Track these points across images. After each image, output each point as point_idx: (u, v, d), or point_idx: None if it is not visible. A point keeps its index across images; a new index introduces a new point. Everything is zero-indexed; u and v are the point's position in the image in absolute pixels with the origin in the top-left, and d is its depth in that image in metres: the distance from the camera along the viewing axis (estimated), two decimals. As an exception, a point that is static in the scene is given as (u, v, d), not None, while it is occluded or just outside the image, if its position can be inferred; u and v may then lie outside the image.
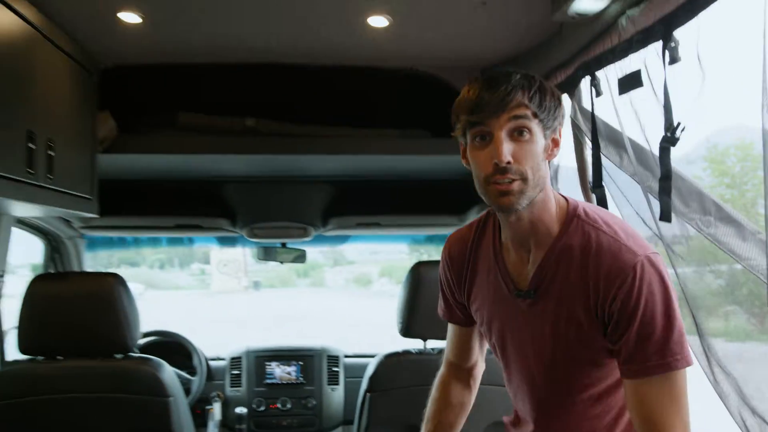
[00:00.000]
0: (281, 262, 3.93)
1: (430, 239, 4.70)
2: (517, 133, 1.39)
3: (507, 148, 1.37)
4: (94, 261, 4.16)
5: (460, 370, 1.96)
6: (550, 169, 2.53)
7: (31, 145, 1.98)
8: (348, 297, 21.35)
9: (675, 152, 1.76)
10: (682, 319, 1.45)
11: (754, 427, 1.58)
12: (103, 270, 3.88)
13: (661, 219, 1.77)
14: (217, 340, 3.87)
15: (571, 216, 1.52)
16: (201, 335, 3.80)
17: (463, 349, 1.93)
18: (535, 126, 1.40)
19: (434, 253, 4.79)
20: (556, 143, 1.49)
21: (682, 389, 1.41)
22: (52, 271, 3.53)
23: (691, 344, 1.88)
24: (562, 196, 1.59)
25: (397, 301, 2.82)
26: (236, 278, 21.20)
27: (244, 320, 15.65)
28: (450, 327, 1.95)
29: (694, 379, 1.51)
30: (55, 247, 3.50)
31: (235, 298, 19.84)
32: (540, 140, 1.42)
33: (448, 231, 2.73)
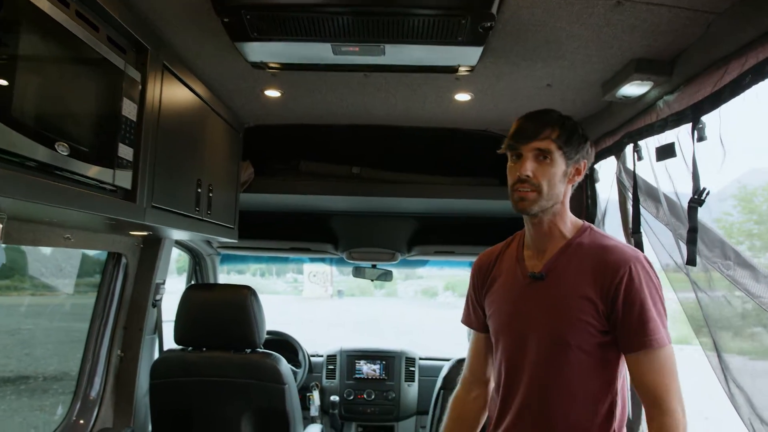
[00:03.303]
0: (372, 280, 4.12)
1: None
2: (541, 157, 1.60)
3: (529, 166, 1.60)
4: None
5: (475, 387, 1.89)
6: (598, 213, 2.67)
7: (199, 190, 2.26)
8: (417, 306, 21.32)
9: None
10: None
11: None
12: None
13: (687, 263, 1.88)
14: (308, 336, 4.08)
15: (584, 228, 1.71)
16: (293, 332, 4.03)
17: (477, 361, 1.89)
18: (557, 155, 1.60)
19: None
20: (578, 172, 1.68)
21: (673, 361, 1.56)
22: (194, 281, 3.84)
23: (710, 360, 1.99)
24: (580, 219, 1.76)
25: None
26: (323, 287, 21.51)
27: (330, 321, 15.87)
28: (471, 342, 1.93)
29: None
30: (197, 261, 3.80)
31: (322, 303, 20.18)
32: (560, 166, 1.62)
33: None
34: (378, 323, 15.92)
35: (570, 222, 1.72)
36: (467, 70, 2.06)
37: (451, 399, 1.92)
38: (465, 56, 1.92)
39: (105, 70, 1.55)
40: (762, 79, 1.54)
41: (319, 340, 5.30)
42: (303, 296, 21.42)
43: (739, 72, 1.60)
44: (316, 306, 19.19)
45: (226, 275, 4.38)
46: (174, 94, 2.03)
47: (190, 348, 2.77)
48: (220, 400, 2.71)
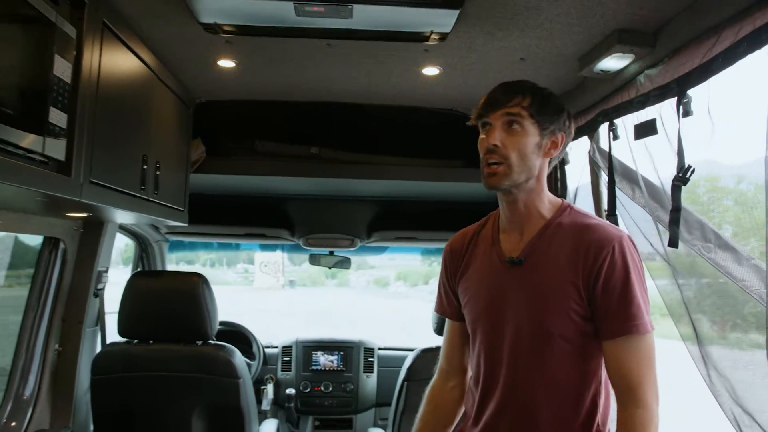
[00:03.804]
0: (329, 267, 3.96)
1: (440, 250, 4.74)
2: (510, 126, 1.48)
3: (498, 135, 1.48)
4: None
5: (451, 378, 1.76)
6: (568, 197, 2.57)
7: (145, 167, 2.04)
8: (369, 296, 21.28)
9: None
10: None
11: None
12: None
13: (669, 245, 1.79)
14: (260, 327, 3.92)
15: (564, 207, 1.58)
16: (247, 323, 3.86)
17: (453, 350, 1.76)
18: (528, 123, 1.48)
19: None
20: (555, 145, 1.54)
21: (653, 351, 1.45)
22: (140, 268, 3.60)
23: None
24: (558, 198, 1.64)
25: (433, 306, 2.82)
26: (275, 277, 21.18)
27: (282, 311, 15.66)
28: (445, 330, 1.80)
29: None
30: (144, 248, 3.56)
31: (274, 294, 19.86)
32: (533, 136, 1.49)
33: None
34: (331, 314, 15.78)
35: (548, 201, 1.58)
36: (439, 38, 1.91)
37: (427, 389, 1.79)
38: (439, 20, 1.77)
39: (33, 21, 1.34)
40: (759, 46, 1.44)
41: (271, 331, 5.14)
42: (254, 286, 21.06)
43: (733, 41, 1.50)
44: (268, 296, 18.87)
45: (175, 265, 4.14)
46: (116, 57, 1.81)
47: (136, 341, 2.56)
48: (168, 397, 2.51)
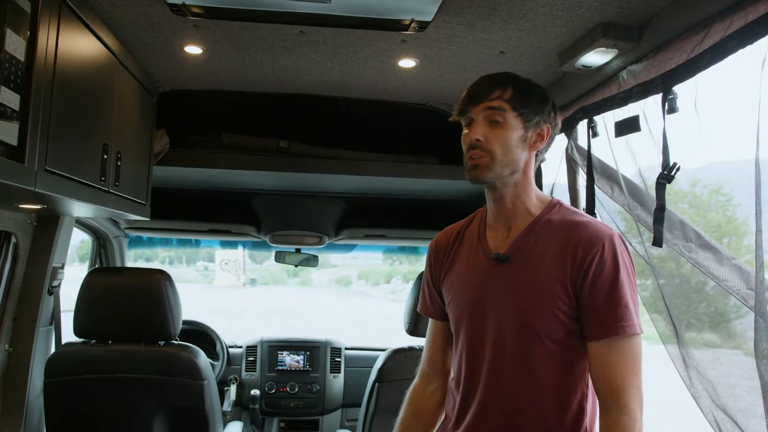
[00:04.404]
0: (295, 265, 3.84)
1: (402, 249, 4.70)
2: (492, 120, 1.43)
3: (480, 129, 1.43)
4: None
5: (432, 380, 1.69)
6: (545, 190, 2.52)
7: (105, 156, 1.91)
8: (330, 295, 21.12)
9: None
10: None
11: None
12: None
13: (654, 244, 1.75)
14: (221, 327, 3.79)
15: (553, 204, 1.53)
16: (208, 322, 3.73)
17: (435, 351, 1.69)
18: (511, 116, 1.43)
19: (405, 260, 4.87)
20: (540, 138, 1.48)
21: (640, 354, 1.39)
22: (98, 266, 3.43)
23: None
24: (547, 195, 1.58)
25: (405, 305, 2.75)
26: (236, 275, 20.82)
27: (242, 310, 15.41)
28: (428, 331, 1.73)
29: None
30: (102, 244, 3.39)
31: (235, 292, 19.51)
32: (516, 129, 1.44)
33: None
34: (293, 312, 15.60)
35: (536, 197, 1.53)
36: (419, 27, 1.83)
37: (408, 392, 1.72)
38: (421, 7, 1.69)
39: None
40: (751, 41, 1.40)
41: (233, 330, 4.98)
42: (214, 285, 20.68)
43: (723, 35, 1.46)
44: (228, 295, 18.53)
45: (132, 262, 3.97)
46: (75, 38, 1.67)
47: (93, 341, 2.43)
48: (128, 400, 2.39)
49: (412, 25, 1.83)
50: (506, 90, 1.44)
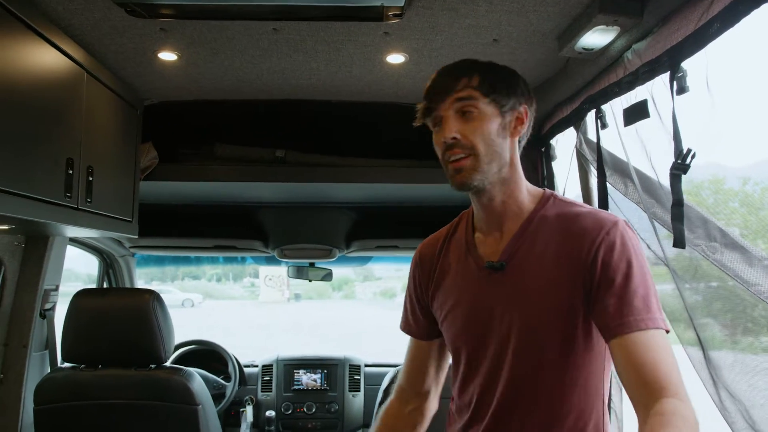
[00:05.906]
0: (310, 280, 3.69)
1: None
2: (465, 113, 1.24)
3: (454, 126, 1.23)
4: (162, 273, 4.00)
5: (411, 400, 1.52)
6: (558, 191, 2.29)
7: (70, 171, 1.79)
8: (375, 308, 20.97)
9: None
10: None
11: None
12: (171, 281, 3.68)
13: (674, 245, 1.50)
14: (265, 343, 3.65)
15: (547, 197, 1.33)
16: (252, 337, 3.59)
17: (417, 370, 1.52)
18: (483, 104, 1.24)
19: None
20: (520, 121, 1.29)
21: (671, 348, 1.13)
22: (107, 285, 3.34)
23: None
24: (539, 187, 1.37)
25: None
26: (280, 291, 20.93)
27: (287, 326, 15.40)
28: (409, 346, 1.55)
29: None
30: (109, 264, 3.30)
31: (279, 308, 19.58)
32: (493, 117, 1.25)
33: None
34: (336, 326, 15.50)
35: (527, 190, 1.32)
36: (395, 14, 1.65)
37: (381, 410, 1.54)
38: (387, -10, 1.51)
39: None
40: (764, 1, 1.17)
41: (270, 346, 4.86)
42: (260, 300, 20.80)
43: (732, -2, 1.23)
44: (273, 310, 18.59)
45: (181, 282, 3.89)
46: (23, 47, 1.55)
47: (83, 366, 2.30)
48: (119, 427, 2.25)
49: (388, 12, 1.66)
50: (472, 77, 1.24)
